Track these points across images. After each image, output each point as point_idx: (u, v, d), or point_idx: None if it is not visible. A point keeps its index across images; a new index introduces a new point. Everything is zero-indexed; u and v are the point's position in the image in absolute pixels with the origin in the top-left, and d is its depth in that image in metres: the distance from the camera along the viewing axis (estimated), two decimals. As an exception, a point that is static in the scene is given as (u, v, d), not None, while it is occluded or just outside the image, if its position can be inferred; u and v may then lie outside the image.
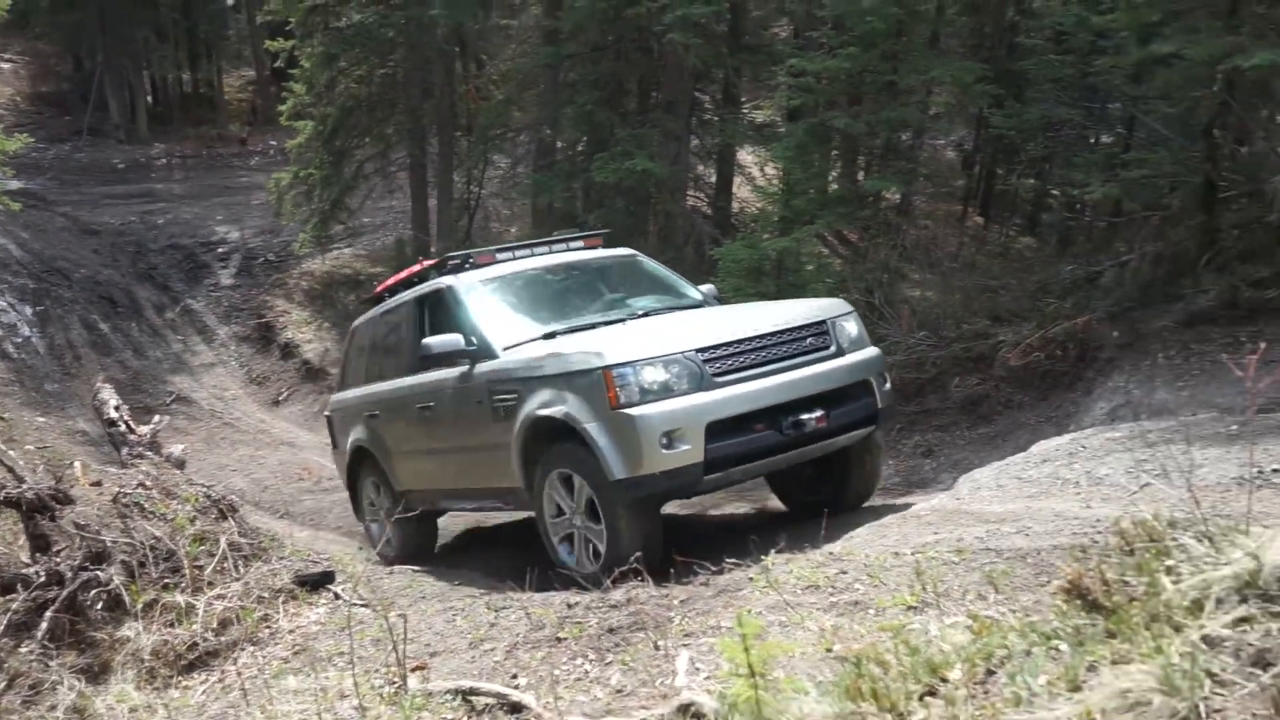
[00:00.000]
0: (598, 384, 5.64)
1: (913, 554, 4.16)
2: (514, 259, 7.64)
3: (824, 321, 6.28)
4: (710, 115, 16.20)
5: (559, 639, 4.22)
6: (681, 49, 13.19)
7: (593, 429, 5.64)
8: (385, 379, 8.10)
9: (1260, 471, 4.56)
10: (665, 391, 5.61)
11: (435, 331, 7.09)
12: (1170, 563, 2.72)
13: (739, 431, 5.70)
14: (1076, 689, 2.43)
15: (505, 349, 6.56)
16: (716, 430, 5.60)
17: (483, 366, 6.59)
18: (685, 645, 3.70)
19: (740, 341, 5.88)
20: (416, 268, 8.11)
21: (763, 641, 2.72)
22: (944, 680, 2.70)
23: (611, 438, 5.56)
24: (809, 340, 6.14)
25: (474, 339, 6.70)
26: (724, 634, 3.46)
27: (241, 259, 21.30)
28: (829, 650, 3.14)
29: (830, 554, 4.49)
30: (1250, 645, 2.31)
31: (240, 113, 32.84)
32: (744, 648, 2.59)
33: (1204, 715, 2.17)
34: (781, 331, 6.05)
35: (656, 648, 3.75)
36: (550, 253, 7.83)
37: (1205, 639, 2.37)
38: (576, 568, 5.94)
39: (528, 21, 19.39)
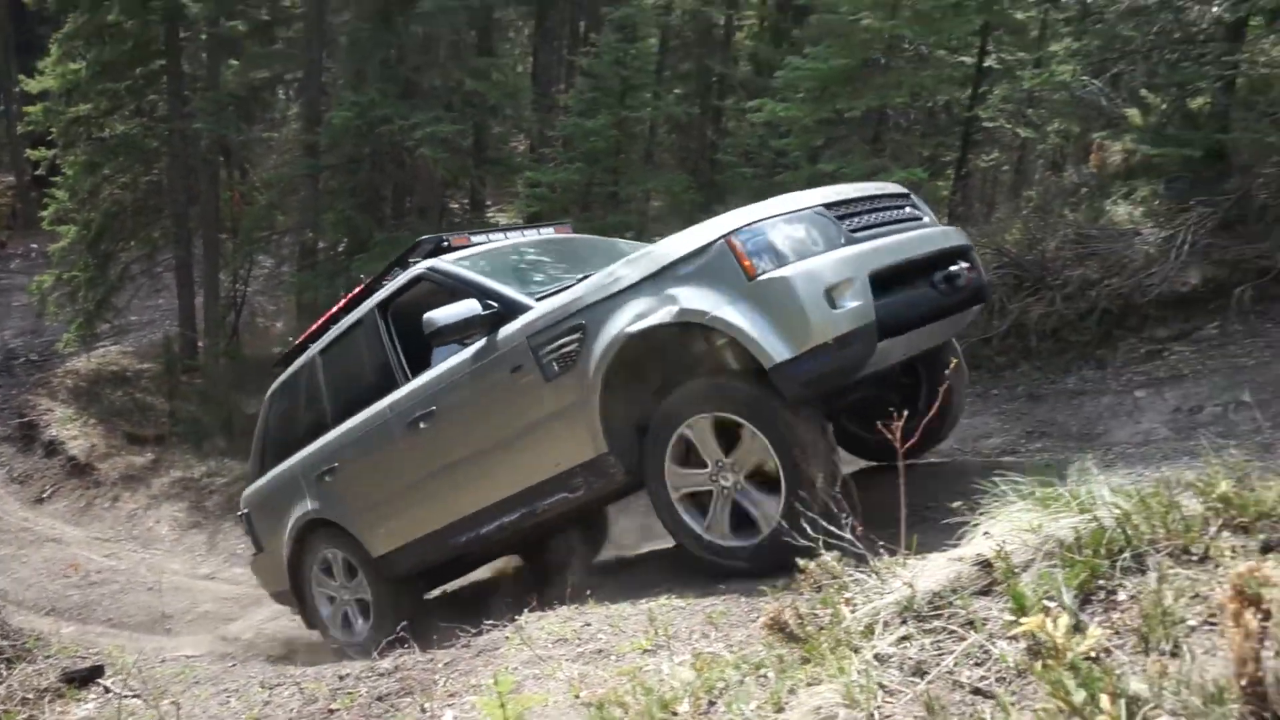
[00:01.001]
0: (720, 258, 4.03)
1: (647, 602, 4.27)
2: (489, 241, 5.97)
3: (909, 194, 5.04)
4: (459, 219, 16.25)
5: (331, 710, 4.04)
6: (431, 162, 13.23)
7: (729, 314, 3.96)
8: (339, 422, 5.88)
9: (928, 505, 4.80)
10: (804, 252, 4.06)
11: (407, 336, 5.47)
12: (849, 595, 2.95)
13: (899, 286, 4.23)
14: (780, 710, 2.57)
15: (539, 298, 4.84)
16: (879, 284, 4.07)
17: (512, 326, 4.76)
18: (450, 705, 3.63)
19: (860, 200, 4.58)
20: (344, 300, 6.21)
21: (517, 695, 2.74)
22: (674, 714, 2.79)
23: (761, 314, 3.91)
24: (907, 209, 4.85)
25: (492, 300, 4.87)
26: (483, 692, 3.42)
27: (1, 359, 19.30)
28: (577, 697, 3.17)
29: (577, 608, 4.54)
30: (910, 659, 2.53)
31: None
32: (500, 704, 2.59)
33: (877, 722, 2.35)
34: (884, 196, 4.81)
35: (423, 710, 3.66)
36: (523, 236, 6.24)
37: (877, 657, 2.57)
38: (718, 538, 4.31)
39: (289, 134, 18.86)
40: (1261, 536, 2.50)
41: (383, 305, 5.67)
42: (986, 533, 2.84)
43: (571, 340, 4.49)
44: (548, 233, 6.36)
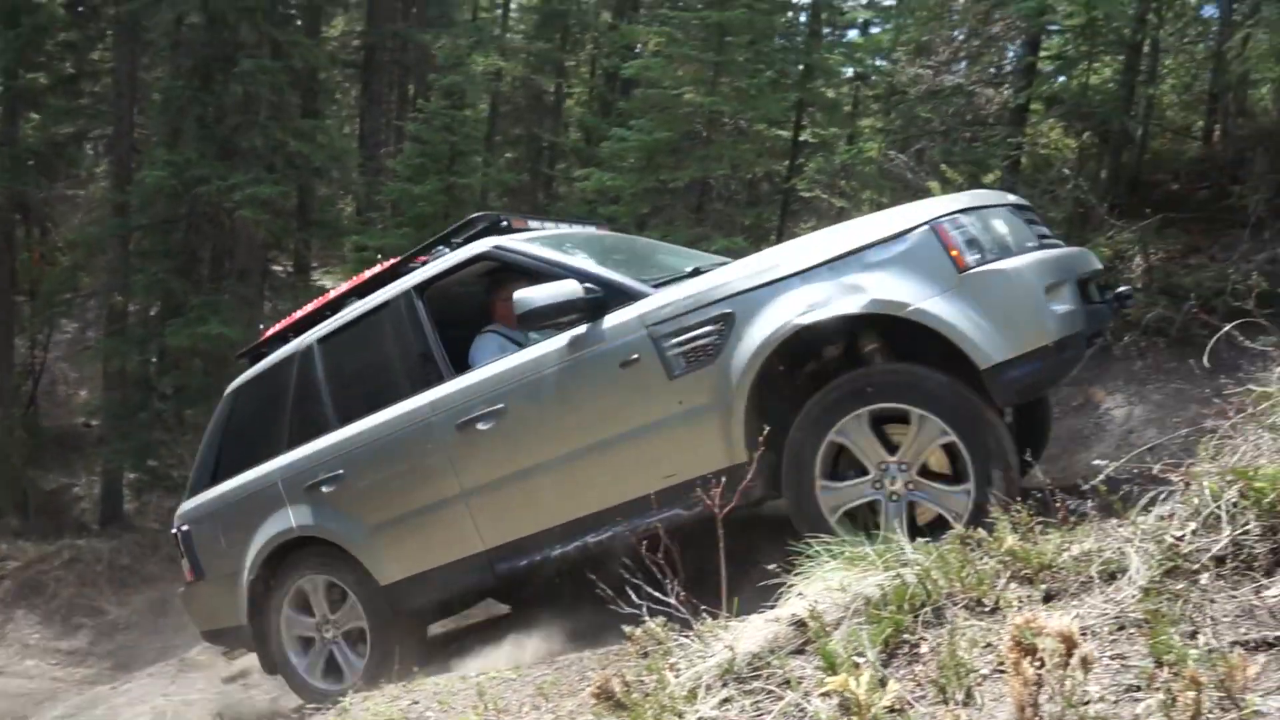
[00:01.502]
0: (924, 246, 3.60)
1: (476, 676, 4.21)
2: (543, 227, 5.20)
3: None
4: (282, 282, 15.77)
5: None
6: (252, 224, 12.83)
7: (937, 307, 3.52)
8: (346, 422, 4.99)
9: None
10: (1010, 248, 3.70)
11: (455, 325, 4.84)
12: (673, 660, 3.01)
13: (1086, 296, 3.87)
14: (606, 780, 2.59)
15: (655, 285, 4.25)
16: (1079, 290, 3.79)
17: (624, 314, 4.12)
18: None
19: (1024, 206, 4.26)
20: (351, 284, 5.39)
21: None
22: (501, 791, 2.77)
23: (975, 309, 3.48)
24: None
25: (592, 284, 4.21)
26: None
27: None
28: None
29: (405, 685, 4.42)
30: (731, 721, 2.61)
31: None
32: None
33: (699, 786, 2.40)
34: (1029, 207, 4.41)
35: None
36: (570, 229, 5.49)
37: (700, 720, 2.64)
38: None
39: (97, 191, 17.91)
40: (1044, 586, 2.72)
41: (423, 288, 4.82)
42: (801, 593, 2.96)
43: (710, 332, 3.90)
44: (590, 229, 5.71)
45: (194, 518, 5.64)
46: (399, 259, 5.16)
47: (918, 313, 3.54)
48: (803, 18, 13.46)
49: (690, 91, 10.43)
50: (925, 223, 3.65)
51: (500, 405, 4.39)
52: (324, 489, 4.98)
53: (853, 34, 14.44)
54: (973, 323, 3.47)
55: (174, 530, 5.80)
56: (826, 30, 13.37)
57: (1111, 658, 2.31)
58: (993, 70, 11.44)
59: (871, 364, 3.81)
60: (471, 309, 5.07)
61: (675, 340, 3.97)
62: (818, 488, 3.79)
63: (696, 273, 4.30)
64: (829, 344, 3.94)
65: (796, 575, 3.15)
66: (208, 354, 13.22)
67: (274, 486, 5.20)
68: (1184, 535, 2.58)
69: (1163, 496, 2.83)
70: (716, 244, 8.88)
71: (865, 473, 3.74)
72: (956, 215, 3.66)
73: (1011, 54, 11.02)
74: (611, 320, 4.15)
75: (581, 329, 4.19)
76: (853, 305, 3.63)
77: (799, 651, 2.77)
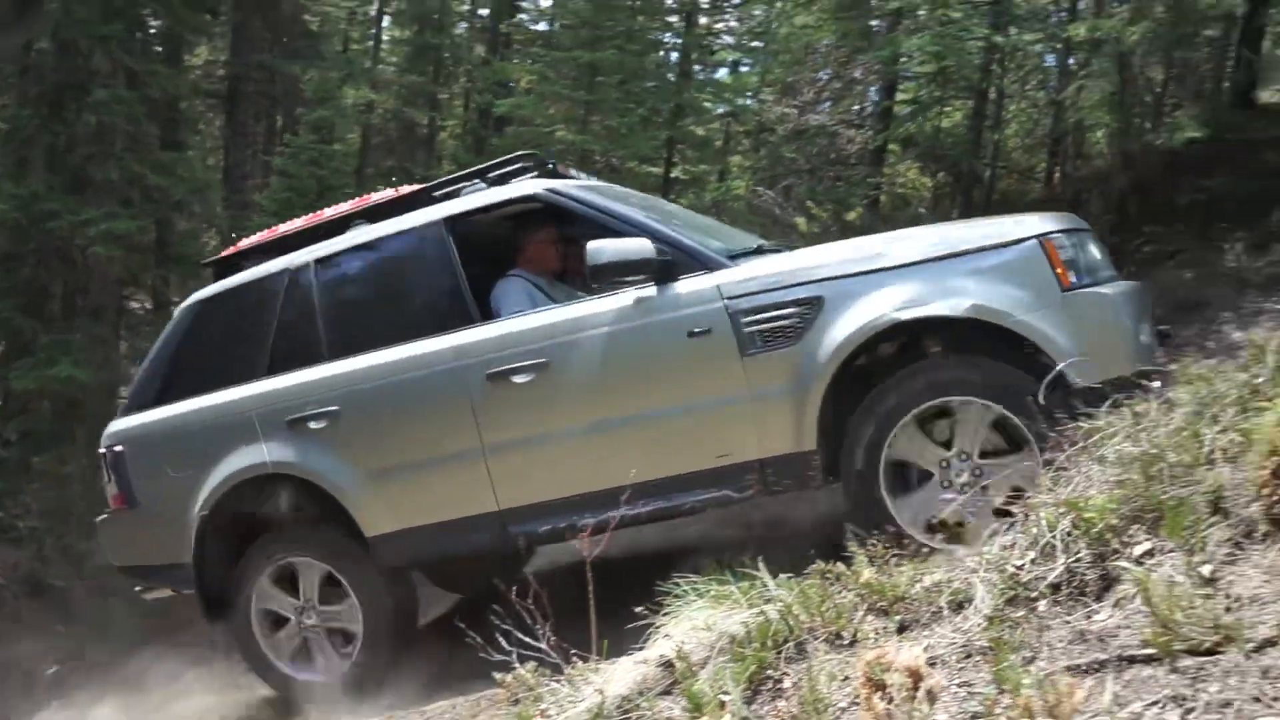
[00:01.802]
0: (1031, 259, 3.59)
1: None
2: (589, 180, 5.02)
3: None
4: (140, 320, 15.08)
5: None
6: (105, 260, 12.27)
7: (1039, 321, 3.50)
8: (345, 355, 4.57)
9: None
10: (1103, 273, 3.77)
11: (492, 269, 4.59)
12: (544, 706, 3.01)
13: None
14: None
15: (733, 257, 4.09)
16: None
17: (699, 282, 3.94)
18: None
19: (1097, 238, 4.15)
20: (356, 203, 5.03)
21: None
22: None
23: (1076, 328, 3.48)
24: None
25: (666, 246, 3.99)
26: None
27: None
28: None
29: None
30: (599, 766, 2.62)
31: None
32: None
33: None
34: None
35: None
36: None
37: (569, 767, 2.64)
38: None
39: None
40: (898, 618, 2.84)
41: (453, 221, 4.49)
42: (668, 634, 3.00)
43: (795, 314, 3.77)
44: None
45: (131, 438, 5.02)
46: (421, 187, 4.89)
47: (1021, 324, 3.52)
48: (673, 56, 13.76)
49: (562, 129, 10.53)
50: (1035, 236, 3.63)
51: (543, 359, 4.12)
52: (311, 424, 4.54)
53: (722, 73, 14.85)
54: (1073, 342, 3.47)
55: (102, 450, 5.15)
56: (697, 68, 13.69)
57: (959, 686, 2.43)
58: (854, 111, 11.95)
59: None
60: (489, 250, 4.66)
61: (755, 317, 3.83)
62: (882, 486, 3.69)
63: (761, 251, 4.28)
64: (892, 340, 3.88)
65: (665, 615, 3.19)
66: (58, 396, 12.50)
67: (245, 416, 4.69)
68: (1024, 564, 2.74)
69: (1005, 527, 3.00)
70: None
71: (930, 476, 3.68)
72: (1063, 233, 3.67)
73: (871, 97, 11.53)
74: (684, 287, 3.97)
75: (650, 291, 3.98)
76: (954, 308, 3.59)
77: (667, 692, 2.82)
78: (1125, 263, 9.06)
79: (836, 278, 3.78)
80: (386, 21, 19.34)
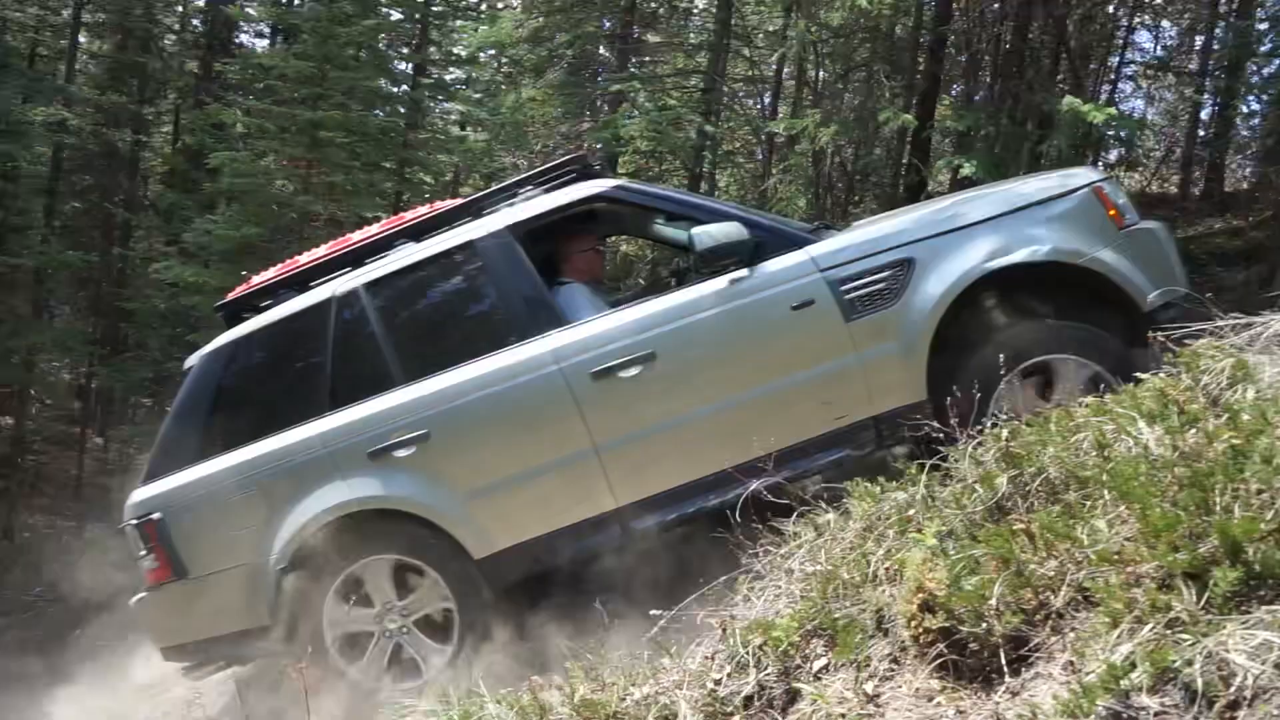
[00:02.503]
0: (1088, 205, 4.12)
1: None
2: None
3: None
4: None
5: None
6: None
7: (1108, 256, 4.00)
8: (421, 377, 4.37)
9: None
10: (1134, 215, 4.25)
11: (551, 274, 4.59)
12: None
13: None
14: None
15: (811, 232, 4.39)
16: None
17: (793, 258, 4.15)
18: None
19: None
20: (390, 223, 4.81)
21: None
22: None
23: (1133, 261, 4.02)
24: None
25: (754, 228, 4.19)
26: None
27: None
28: None
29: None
30: None
31: None
32: None
33: None
34: None
35: None
36: None
37: None
38: None
39: None
40: (611, 737, 3.00)
41: (520, 228, 4.44)
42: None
43: (889, 276, 4.06)
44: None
45: (171, 503, 4.52)
46: (469, 199, 4.80)
47: (1094, 261, 3.99)
48: (402, 109, 13.62)
49: (283, 183, 10.17)
50: (1087, 185, 4.18)
51: (648, 351, 4.16)
52: (398, 454, 4.31)
53: (455, 128, 14.86)
54: (1134, 272, 3.99)
55: (132, 522, 4.58)
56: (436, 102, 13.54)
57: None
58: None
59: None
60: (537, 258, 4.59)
61: (853, 284, 4.08)
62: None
63: (825, 228, 4.63)
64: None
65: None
66: None
67: (315, 456, 4.38)
68: (721, 679, 2.98)
69: (706, 640, 3.25)
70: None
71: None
72: (1106, 181, 4.25)
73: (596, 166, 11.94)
74: (778, 264, 4.17)
75: (743, 272, 4.15)
76: (1034, 254, 4.00)
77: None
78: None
79: (923, 239, 4.13)
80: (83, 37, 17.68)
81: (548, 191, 4.58)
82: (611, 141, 9.65)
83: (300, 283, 4.76)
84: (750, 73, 11.46)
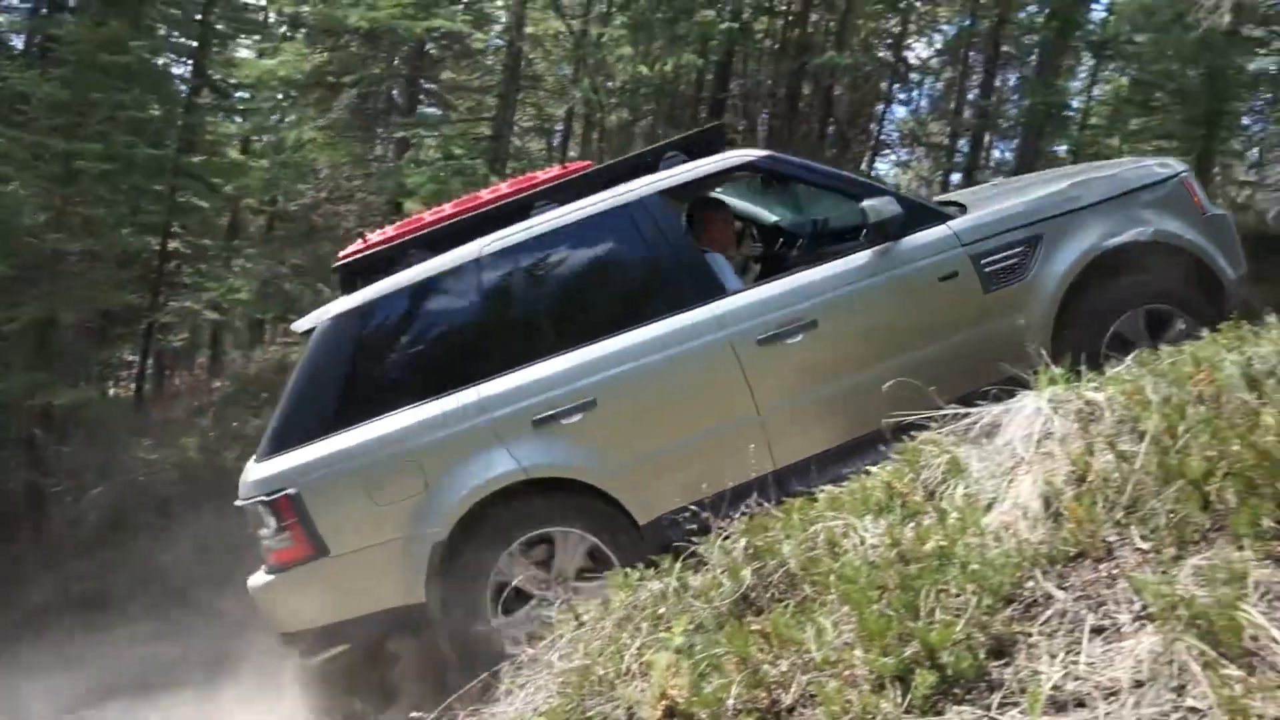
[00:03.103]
0: (1179, 192, 4.80)
1: None
2: None
3: None
4: None
5: None
6: None
7: (1197, 238, 4.69)
8: (578, 345, 4.33)
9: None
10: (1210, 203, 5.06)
11: (675, 244, 4.57)
12: None
13: None
14: None
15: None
16: None
17: (936, 233, 4.56)
18: None
19: None
20: (518, 185, 4.75)
21: None
22: None
23: (1217, 243, 4.72)
24: None
25: (904, 204, 4.54)
26: None
27: None
28: None
29: None
30: None
31: None
32: None
33: None
34: None
35: None
36: None
37: None
38: None
39: None
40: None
41: (671, 193, 4.61)
42: None
43: (1022, 252, 4.53)
44: None
45: (309, 477, 4.27)
46: (611, 163, 4.86)
47: (1189, 243, 4.65)
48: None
49: (37, 216, 9.42)
50: (1177, 174, 4.85)
51: (813, 318, 4.39)
52: (565, 421, 4.30)
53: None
54: (1217, 252, 4.69)
55: (261, 499, 4.27)
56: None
57: None
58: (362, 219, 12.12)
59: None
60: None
61: (991, 258, 4.51)
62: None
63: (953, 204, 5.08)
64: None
65: None
66: None
67: (477, 424, 4.29)
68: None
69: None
70: (62, 393, 8.08)
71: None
72: (1189, 171, 4.94)
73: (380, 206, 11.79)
74: (925, 238, 4.54)
75: (894, 244, 4.49)
76: (1143, 234, 4.58)
77: None
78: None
79: (1050, 218, 4.61)
80: None
81: (693, 158, 4.65)
82: (397, 190, 9.52)
83: (431, 244, 4.62)
84: (539, 123, 11.63)
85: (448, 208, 4.90)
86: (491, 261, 4.52)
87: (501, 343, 4.48)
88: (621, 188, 4.59)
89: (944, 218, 4.66)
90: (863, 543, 3.19)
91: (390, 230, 4.90)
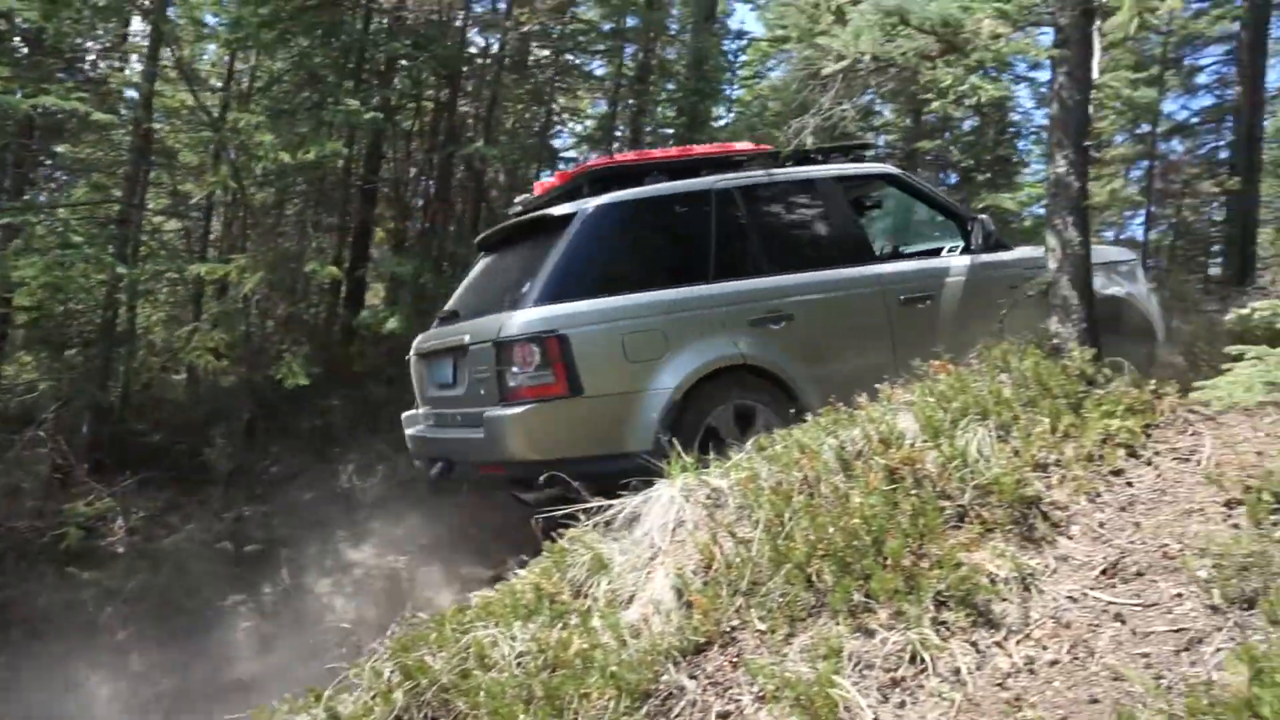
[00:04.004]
0: (1138, 266, 7.13)
1: None
2: None
3: None
4: None
5: None
6: None
7: (1148, 303, 6.75)
8: (777, 272, 5.61)
9: None
10: None
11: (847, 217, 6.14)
12: None
13: None
14: None
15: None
16: None
17: (1010, 256, 6.28)
18: None
19: None
20: (751, 148, 6.27)
21: None
22: None
23: (1159, 309, 6.96)
24: None
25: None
26: None
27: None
28: None
29: None
30: None
31: None
32: None
33: None
34: None
35: None
36: None
37: None
38: None
39: None
40: None
41: (841, 181, 6.13)
42: None
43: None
44: None
45: (578, 325, 5.09)
46: (810, 150, 6.07)
47: (1144, 307, 6.41)
48: None
49: None
50: (1134, 258, 6.78)
51: (932, 293, 5.95)
52: (772, 326, 5.48)
53: None
54: (1160, 314, 6.60)
55: (534, 335, 5.03)
56: None
57: None
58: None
59: None
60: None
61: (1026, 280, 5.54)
62: None
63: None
64: None
65: None
66: None
67: (710, 312, 5.37)
68: None
69: None
70: None
71: None
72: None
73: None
74: (1004, 256, 6.18)
75: (982, 257, 6.13)
76: (1118, 293, 6.16)
77: None
78: (254, 485, 9.60)
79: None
80: None
81: (852, 160, 6.34)
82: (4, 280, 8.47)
83: (669, 171, 5.75)
84: (174, 203, 10.86)
85: (674, 151, 6.31)
86: (722, 193, 5.75)
87: (730, 255, 5.62)
88: (806, 167, 6.10)
89: (1010, 246, 6.39)
90: (512, 651, 3.23)
91: (631, 155, 6.43)
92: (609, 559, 3.70)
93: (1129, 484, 3.81)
